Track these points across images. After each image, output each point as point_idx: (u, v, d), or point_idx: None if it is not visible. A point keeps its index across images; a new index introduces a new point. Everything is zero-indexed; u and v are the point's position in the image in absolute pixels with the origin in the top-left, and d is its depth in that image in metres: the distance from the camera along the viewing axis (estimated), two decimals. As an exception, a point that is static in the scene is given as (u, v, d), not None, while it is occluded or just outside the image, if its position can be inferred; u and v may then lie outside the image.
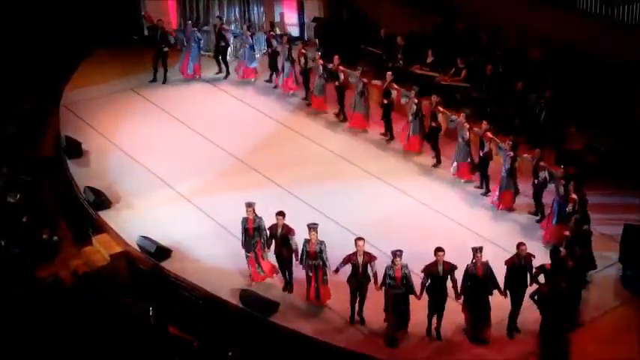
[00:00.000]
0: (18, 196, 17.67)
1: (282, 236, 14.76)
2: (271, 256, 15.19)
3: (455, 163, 18.07)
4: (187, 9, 24.64)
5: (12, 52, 22.51)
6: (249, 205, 14.93)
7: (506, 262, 13.90)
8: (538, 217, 16.70)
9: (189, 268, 15.72)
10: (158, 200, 17.76)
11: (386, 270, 13.81)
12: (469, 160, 17.86)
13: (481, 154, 17.49)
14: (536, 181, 16.49)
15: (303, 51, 21.71)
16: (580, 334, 13.57)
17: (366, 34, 22.92)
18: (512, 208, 17.02)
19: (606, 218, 16.07)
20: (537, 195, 16.64)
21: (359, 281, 14.14)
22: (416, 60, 21.42)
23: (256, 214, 14.93)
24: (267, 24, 23.61)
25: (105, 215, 17.31)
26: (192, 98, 22.22)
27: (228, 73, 23.07)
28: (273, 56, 22.37)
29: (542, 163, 16.37)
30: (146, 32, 23.04)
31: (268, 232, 14.91)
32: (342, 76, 20.48)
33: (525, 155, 16.82)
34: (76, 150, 19.54)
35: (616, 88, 18.41)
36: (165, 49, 22.32)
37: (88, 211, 17.55)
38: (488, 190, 17.57)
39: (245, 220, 14.95)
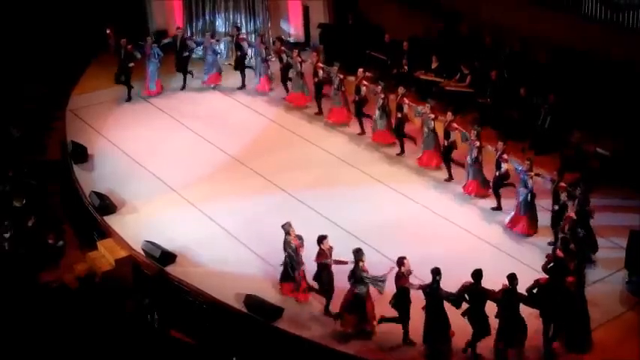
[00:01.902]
0: (24, 201, 17.68)
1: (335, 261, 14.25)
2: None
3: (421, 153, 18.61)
4: (193, 13, 24.73)
5: (18, 56, 22.56)
6: (290, 226, 14.50)
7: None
8: (495, 206, 17.02)
9: (194, 273, 15.70)
10: (163, 205, 17.75)
11: (440, 292, 13.13)
12: (435, 148, 18.29)
13: (446, 144, 17.89)
14: (497, 173, 16.73)
15: (283, 49, 21.85)
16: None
17: (370, 40, 22.94)
18: (483, 195, 17.27)
19: (612, 224, 16.02)
20: (496, 187, 16.91)
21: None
22: (421, 65, 21.44)
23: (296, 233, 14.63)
24: (233, 29, 23.58)
25: (110, 220, 17.31)
26: (197, 103, 22.26)
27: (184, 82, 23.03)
28: (241, 59, 22.64)
29: (504, 156, 16.60)
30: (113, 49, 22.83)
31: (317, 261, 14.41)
32: (320, 73, 20.73)
33: (489, 147, 17.05)
34: (81, 154, 19.58)
35: (621, 93, 18.37)
36: (131, 65, 22.13)
37: (93, 215, 17.57)
38: (451, 177, 18.00)
39: (294, 244, 14.43)
